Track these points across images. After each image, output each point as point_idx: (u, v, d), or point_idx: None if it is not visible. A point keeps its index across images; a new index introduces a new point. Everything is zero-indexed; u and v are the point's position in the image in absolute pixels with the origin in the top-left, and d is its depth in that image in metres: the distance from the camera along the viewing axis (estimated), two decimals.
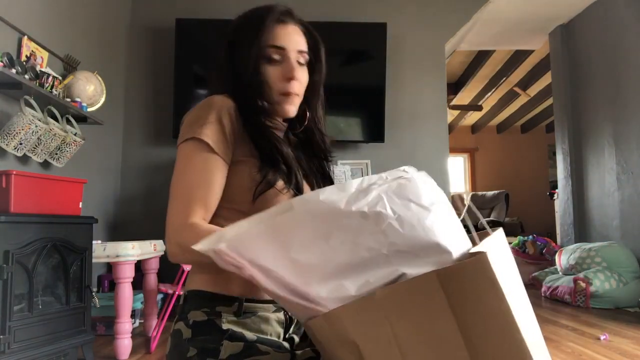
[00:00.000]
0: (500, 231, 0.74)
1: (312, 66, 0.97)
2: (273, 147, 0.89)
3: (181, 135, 0.87)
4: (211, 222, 0.87)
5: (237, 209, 0.87)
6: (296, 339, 0.92)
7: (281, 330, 0.91)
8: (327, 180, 1.00)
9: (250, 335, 0.84)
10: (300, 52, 0.93)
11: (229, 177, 0.87)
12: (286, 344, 0.89)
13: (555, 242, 5.53)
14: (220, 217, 0.87)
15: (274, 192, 0.86)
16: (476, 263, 0.57)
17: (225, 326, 0.84)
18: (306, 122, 0.98)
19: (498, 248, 0.65)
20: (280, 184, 0.87)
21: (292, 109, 0.93)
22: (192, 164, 0.84)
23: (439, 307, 0.58)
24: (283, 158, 0.89)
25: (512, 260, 0.72)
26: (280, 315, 0.91)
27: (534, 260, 5.26)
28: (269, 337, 0.88)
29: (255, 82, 0.90)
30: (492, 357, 0.59)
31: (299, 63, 0.93)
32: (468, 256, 0.62)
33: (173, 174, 0.86)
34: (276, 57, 0.90)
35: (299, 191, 0.89)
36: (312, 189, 0.96)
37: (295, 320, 0.95)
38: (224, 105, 0.88)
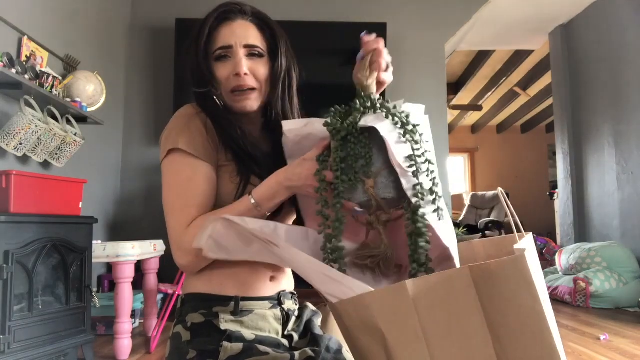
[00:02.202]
0: (530, 236, 0.74)
1: (272, 58, 0.94)
2: (240, 148, 0.89)
3: (161, 154, 0.89)
4: None
5: None
6: (295, 336, 0.92)
7: (279, 327, 0.91)
8: None
9: (248, 334, 0.84)
10: (250, 46, 0.91)
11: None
12: (285, 341, 0.89)
13: (555, 242, 5.53)
14: None
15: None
16: (513, 261, 0.57)
17: (223, 326, 0.84)
18: (273, 116, 0.97)
19: (532, 251, 0.65)
20: (257, 182, 0.88)
21: (248, 103, 0.92)
22: (178, 173, 0.86)
23: (469, 303, 0.58)
24: (250, 157, 0.90)
25: (539, 267, 0.71)
26: (277, 311, 0.91)
27: None
28: (267, 334, 0.88)
29: (207, 83, 0.90)
30: (520, 357, 0.58)
31: (253, 55, 0.91)
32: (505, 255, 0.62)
33: (162, 190, 0.87)
34: (225, 55, 0.91)
35: None
36: None
37: (294, 318, 0.95)
38: (191, 113, 0.90)
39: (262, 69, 0.92)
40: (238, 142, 0.89)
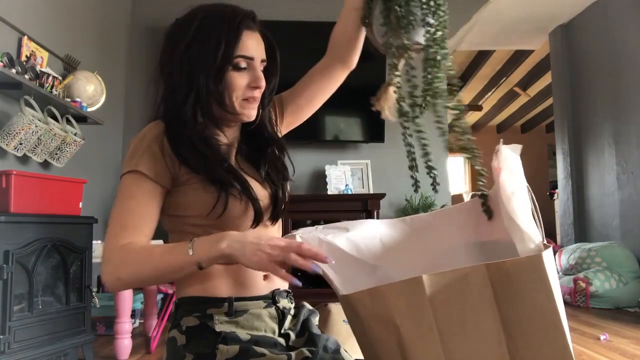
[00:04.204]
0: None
1: (268, 70, 0.97)
2: (212, 163, 0.88)
3: (121, 172, 0.89)
4: (171, 238, 0.92)
5: (197, 223, 0.89)
6: (292, 335, 0.92)
7: (275, 325, 0.91)
8: (283, 171, 1.00)
9: (243, 335, 0.84)
10: (263, 61, 0.94)
11: (184, 194, 0.88)
12: (281, 340, 0.89)
13: (555, 242, 5.53)
14: (181, 232, 0.90)
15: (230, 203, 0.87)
16: (530, 260, 0.58)
17: (218, 328, 0.84)
18: (258, 120, 0.98)
19: (550, 257, 0.64)
20: (235, 191, 0.88)
21: (253, 113, 0.94)
22: (126, 193, 0.86)
23: (484, 300, 0.59)
24: (224, 172, 0.88)
25: (555, 270, 0.70)
26: (272, 310, 0.91)
27: None
28: (263, 333, 0.88)
29: (219, 87, 0.89)
30: (533, 357, 0.59)
31: (262, 70, 0.94)
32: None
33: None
34: (243, 65, 0.90)
35: (250, 197, 0.89)
36: (261, 183, 0.96)
37: (290, 316, 0.95)
38: (153, 133, 0.88)
39: (265, 83, 0.95)
40: (219, 167, 0.88)
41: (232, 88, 0.90)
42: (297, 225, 3.54)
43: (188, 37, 0.91)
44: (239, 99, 0.91)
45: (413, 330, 0.60)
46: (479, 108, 7.43)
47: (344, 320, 2.27)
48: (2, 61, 2.11)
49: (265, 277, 0.93)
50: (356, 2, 0.98)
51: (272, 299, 0.92)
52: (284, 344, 0.89)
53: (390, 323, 0.61)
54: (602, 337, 2.69)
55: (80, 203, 2.32)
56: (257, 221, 0.90)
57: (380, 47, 0.90)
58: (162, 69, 0.95)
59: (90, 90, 2.82)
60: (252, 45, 0.91)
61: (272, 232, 0.97)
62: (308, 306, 1.02)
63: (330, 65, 1.08)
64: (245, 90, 0.91)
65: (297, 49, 2.45)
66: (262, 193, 0.93)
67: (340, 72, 1.09)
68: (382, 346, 0.64)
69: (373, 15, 0.90)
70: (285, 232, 0.99)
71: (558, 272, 4.37)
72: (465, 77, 6.62)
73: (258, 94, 0.93)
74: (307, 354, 0.83)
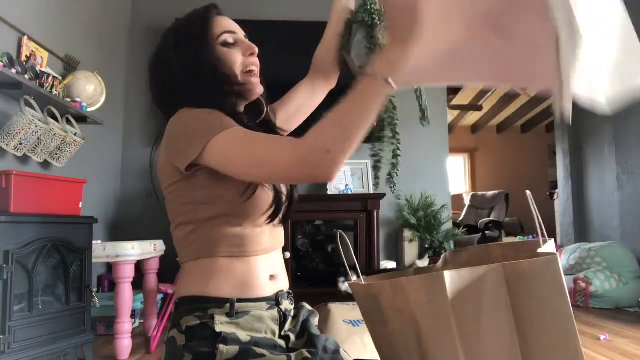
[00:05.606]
0: (552, 242, 0.71)
1: None
2: None
3: (201, 148, 0.80)
4: (179, 233, 0.91)
5: (216, 213, 0.87)
6: (292, 337, 0.92)
7: (276, 328, 0.90)
8: None
9: (243, 335, 0.84)
10: (245, 36, 0.98)
11: (214, 179, 0.85)
12: (282, 342, 0.89)
13: (555, 242, 5.52)
14: (196, 223, 0.88)
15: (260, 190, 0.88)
16: (546, 262, 0.59)
17: (218, 328, 0.83)
18: (265, 108, 1.02)
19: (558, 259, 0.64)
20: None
21: (259, 85, 0.96)
22: (239, 140, 0.80)
23: (500, 300, 0.60)
24: None
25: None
26: (274, 312, 0.91)
27: None
28: (263, 335, 0.87)
29: (218, 68, 0.92)
30: (545, 358, 0.59)
31: None
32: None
33: (233, 161, 0.79)
34: (231, 40, 0.94)
35: (276, 188, 0.91)
36: None
37: (290, 318, 0.95)
38: (195, 109, 0.87)
39: None
40: None
41: (231, 63, 0.93)
42: (297, 225, 3.54)
43: (172, 46, 0.94)
44: (242, 72, 0.94)
45: (431, 326, 0.61)
46: (479, 108, 7.42)
47: (344, 320, 2.27)
48: (2, 61, 2.11)
49: (272, 277, 0.92)
50: (338, 29, 1.07)
51: (275, 300, 0.92)
52: (284, 345, 0.89)
53: (410, 317, 0.62)
54: (602, 337, 2.69)
55: (80, 203, 2.32)
56: (274, 215, 0.90)
57: (357, 69, 1.02)
58: (159, 89, 0.96)
59: (90, 90, 2.82)
60: (229, 23, 0.96)
61: (279, 233, 0.97)
62: (307, 307, 1.01)
63: (314, 82, 1.15)
64: (244, 61, 0.94)
65: (295, 49, 2.45)
66: (282, 190, 0.95)
67: (323, 88, 1.17)
68: (399, 338, 0.65)
69: (352, 42, 1.03)
70: (285, 233, 0.99)
71: None
72: None
73: (256, 60, 0.96)
74: (307, 355, 0.83)
